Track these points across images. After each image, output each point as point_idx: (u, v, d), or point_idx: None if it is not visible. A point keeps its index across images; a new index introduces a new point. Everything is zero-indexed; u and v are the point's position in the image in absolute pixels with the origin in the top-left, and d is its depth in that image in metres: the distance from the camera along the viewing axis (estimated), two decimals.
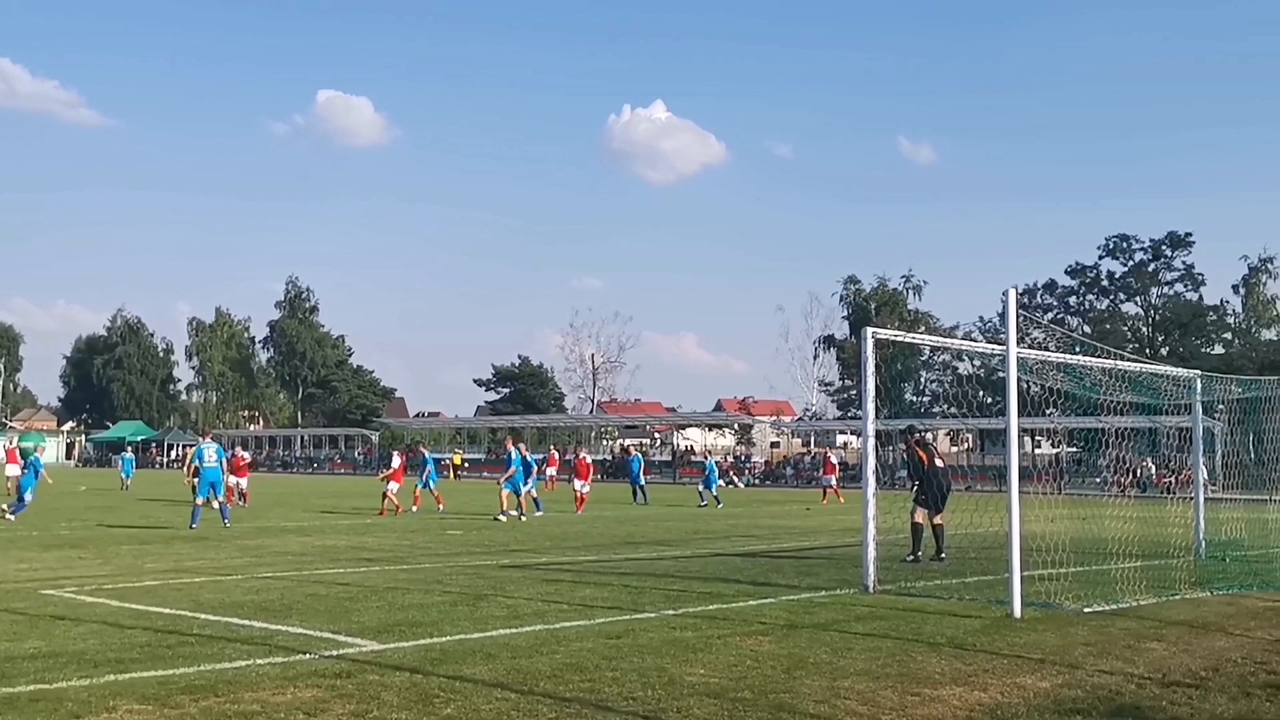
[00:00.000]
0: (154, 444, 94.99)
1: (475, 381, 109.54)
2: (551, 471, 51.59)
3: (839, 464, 60.67)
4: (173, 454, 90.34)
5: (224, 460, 22.94)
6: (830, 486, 36.48)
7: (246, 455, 30.37)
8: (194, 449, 23.18)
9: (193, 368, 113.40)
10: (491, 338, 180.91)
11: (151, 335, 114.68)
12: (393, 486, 27.37)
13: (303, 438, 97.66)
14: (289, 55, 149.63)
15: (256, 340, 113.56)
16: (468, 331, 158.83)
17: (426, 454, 30.27)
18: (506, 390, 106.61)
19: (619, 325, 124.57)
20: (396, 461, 28.71)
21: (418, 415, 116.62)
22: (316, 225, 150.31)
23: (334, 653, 8.38)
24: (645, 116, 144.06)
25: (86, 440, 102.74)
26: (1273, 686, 7.64)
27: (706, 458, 49.85)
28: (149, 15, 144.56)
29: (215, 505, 21.95)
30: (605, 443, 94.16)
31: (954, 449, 76.52)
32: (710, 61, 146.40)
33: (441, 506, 27.94)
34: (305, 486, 48.28)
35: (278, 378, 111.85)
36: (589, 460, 32.45)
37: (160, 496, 35.01)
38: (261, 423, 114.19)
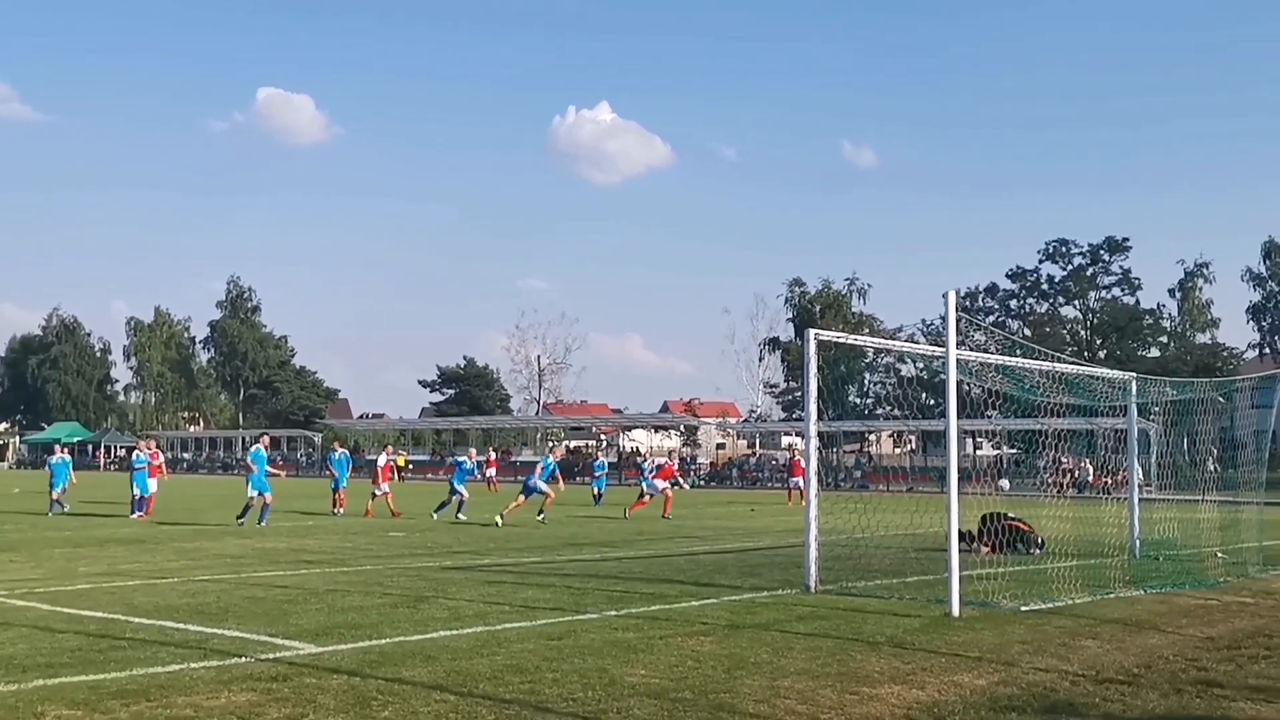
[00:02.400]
0: (91, 445, 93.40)
1: (420, 383, 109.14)
2: (492, 473, 51.45)
3: (784, 466, 60.96)
4: (111, 455, 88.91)
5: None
6: (799, 488, 36.25)
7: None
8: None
9: (131, 368, 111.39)
10: (436, 339, 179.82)
11: (88, 335, 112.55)
12: (382, 488, 27.30)
13: (244, 439, 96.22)
14: (228, 52, 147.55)
15: (197, 340, 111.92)
16: (412, 332, 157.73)
17: (338, 453, 29.76)
18: (451, 392, 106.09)
19: (565, 326, 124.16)
20: (383, 460, 28.43)
21: (361, 416, 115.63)
22: (258, 224, 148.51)
23: (270, 656, 8.27)
24: (590, 118, 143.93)
25: (21, 442, 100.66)
26: (1203, 683, 7.78)
27: (647, 456, 49.76)
28: (85, 9, 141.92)
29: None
30: (550, 444, 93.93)
31: (897, 450, 77.34)
32: (655, 63, 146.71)
33: (340, 510, 27.51)
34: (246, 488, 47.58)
35: (218, 378, 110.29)
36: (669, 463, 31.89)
37: (98, 499, 34.34)
38: (202, 424, 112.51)
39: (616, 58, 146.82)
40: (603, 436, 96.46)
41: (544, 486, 25.06)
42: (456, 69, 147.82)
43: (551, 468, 25.70)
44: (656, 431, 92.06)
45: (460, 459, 28.43)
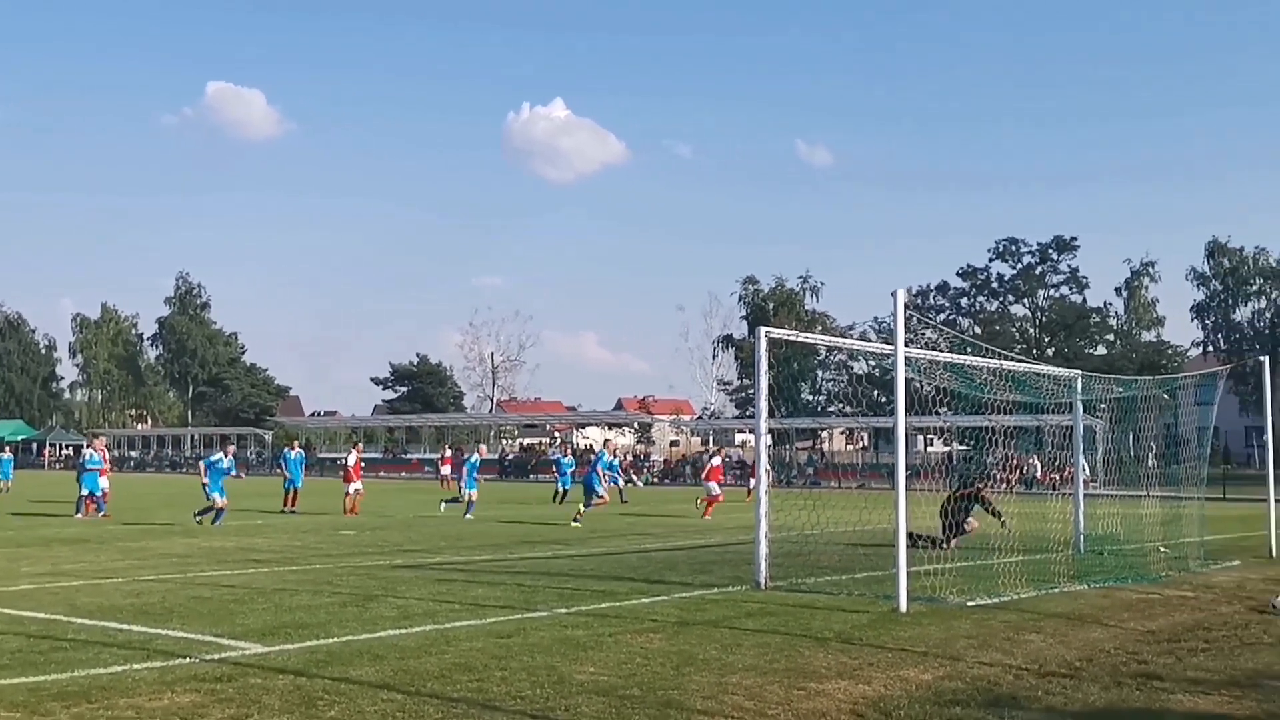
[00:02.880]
0: (36, 444, 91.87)
1: (372, 380, 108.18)
2: (445, 471, 51.17)
3: (739, 463, 61.20)
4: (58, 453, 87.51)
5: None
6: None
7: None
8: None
9: (77, 365, 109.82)
10: (390, 336, 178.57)
11: (33, 332, 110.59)
12: (351, 486, 27.13)
13: (193, 437, 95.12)
14: (177, 45, 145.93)
15: (144, 337, 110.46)
16: (365, 329, 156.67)
17: (294, 453, 29.51)
18: (404, 389, 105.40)
19: (519, 324, 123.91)
20: (352, 459, 28.21)
21: (313, 414, 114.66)
22: (208, 220, 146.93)
23: (215, 656, 8.19)
24: (545, 114, 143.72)
25: None
26: (1143, 676, 7.91)
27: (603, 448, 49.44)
28: (30, 1, 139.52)
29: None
30: (505, 442, 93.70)
31: (849, 447, 77.91)
32: (609, 60, 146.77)
33: (292, 509, 27.26)
34: (194, 487, 47.04)
35: (166, 376, 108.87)
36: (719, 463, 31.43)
37: (44, 498, 33.81)
38: (149, 422, 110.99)
39: (570, 54, 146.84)
40: (556, 433, 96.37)
41: (601, 489, 24.84)
42: (410, 65, 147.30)
43: (605, 464, 25.48)
44: (610, 429, 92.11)
45: (469, 456, 28.17)
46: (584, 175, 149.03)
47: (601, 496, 25.04)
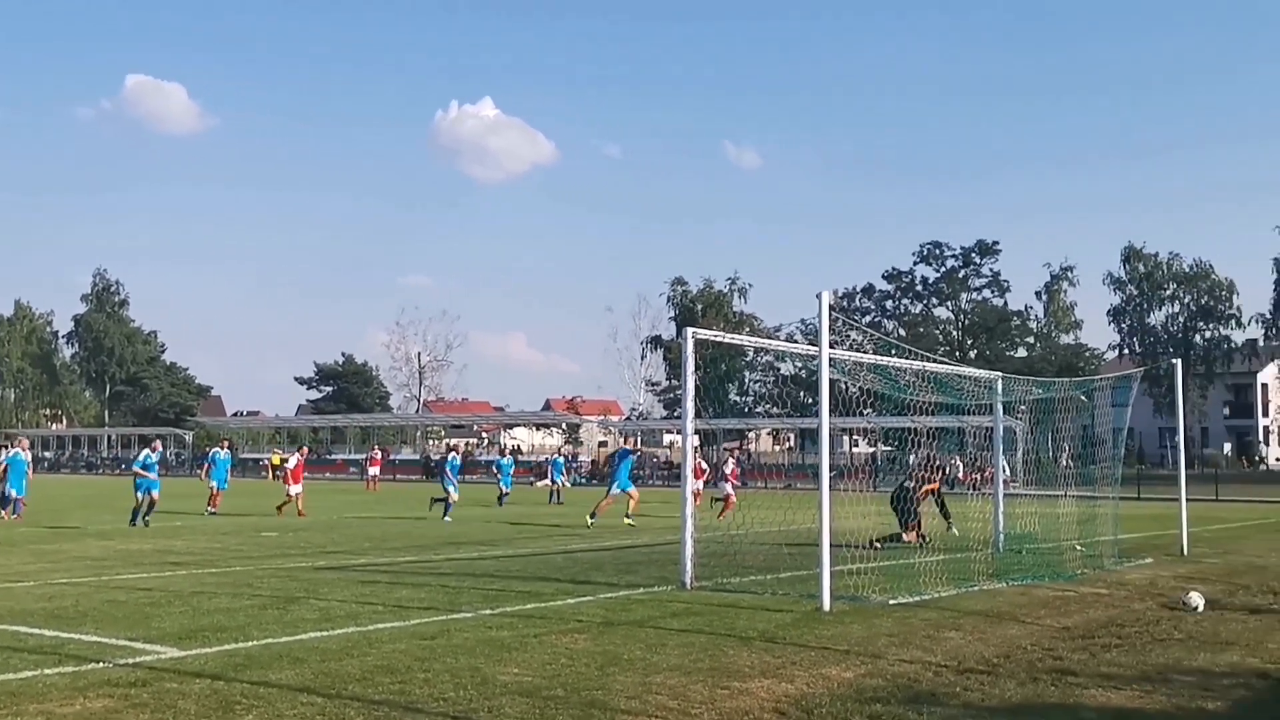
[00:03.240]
0: None
1: (297, 379, 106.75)
2: (374, 472, 50.69)
3: (665, 464, 61.34)
4: None
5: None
6: (697, 492, 34.94)
7: None
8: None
9: None
10: (315, 335, 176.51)
11: None
12: (293, 488, 26.72)
13: (110, 437, 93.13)
14: (95, 37, 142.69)
15: (60, 335, 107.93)
16: (289, 328, 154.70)
17: (222, 453, 29.00)
18: (329, 389, 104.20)
19: (446, 323, 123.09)
20: (293, 461, 27.73)
21: (235, 414, 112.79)
22: (127, 216, 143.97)
23: (130, 661, 8.01)
24: (474, 113, 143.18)
25: None
26: (1058, 671, 8.07)
27: (556, 454, 49.05)
28: None
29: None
30: (431, 442, 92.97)
31: (776, 448, 78.51)
32: (539, 59, 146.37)
33: (213, 510, 26.84)
34: (111, 488, 46.02)
35: (83, 375, 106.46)
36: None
37: None
38: (65, 422, 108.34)
39: (501, 53, 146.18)
40: (484, 434, 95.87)
41: (631, 488, 24.50)
42: (337, 60, 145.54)
43: (630, 464, 25.12)
44: (538, 429, 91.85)
45: (451, 457, 27.87)
46: (513, 175, 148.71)
47: (631, 494, 24.65)
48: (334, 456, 75.45)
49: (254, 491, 30.33)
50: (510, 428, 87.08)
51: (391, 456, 70.89)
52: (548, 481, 38.50)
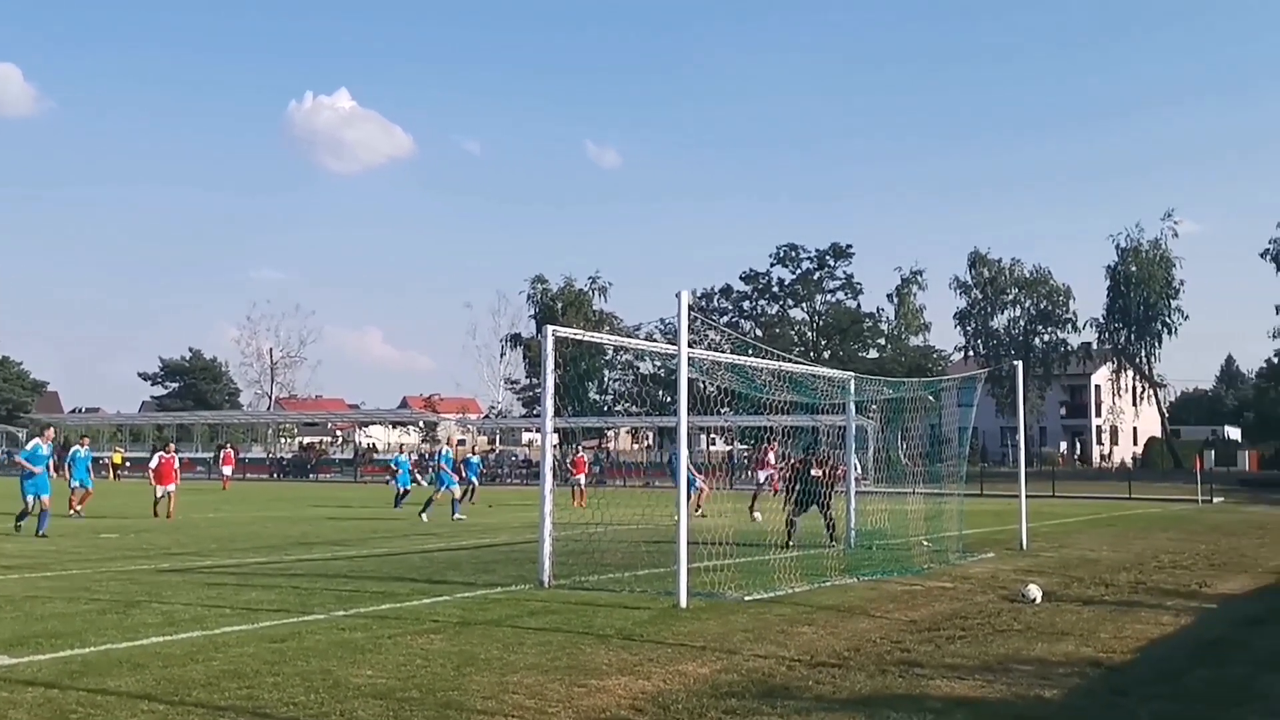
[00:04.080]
0: None
1: (140, 375, 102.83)
2: (227, 470, 49.21)
3: (525, 462, 61.05)
4: None
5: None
6: (579, 487, 33.35)
7: None
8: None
9: None
10: (160, 330, 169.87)
11: None
12: (160, 489, 25.60)
13: None
14: None
15: None
16: (133, 323, 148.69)
17: (82, 451, 27.60)
18: (175, 385, 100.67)
19: (300, 319, 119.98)
20: (154, 461, 26.44)
21: (73, 411, 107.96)
22: None
23: None
24: (329, 104, 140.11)
25: None
26: (905, 663, 8.31)
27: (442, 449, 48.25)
28: None
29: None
30: (284, 440, 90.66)
31: (635, 446, 78.96)
32: (397, 51, 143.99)
33: (78, 511, 25.59)
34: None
35: None
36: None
37: None
38: None
39: (357, 43, 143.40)
40: (339, 432, 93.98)
41: (700, 481, 24.22)
42: (185, 44, 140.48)
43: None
44: (395, 427, 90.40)
45: (442, 450, 27.32)
46: (370, 167, 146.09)
47: (702, 488, 24.50)
48: (180, 455, 72.87)
49: (95, 491, 29.04)
50: (365, 425, 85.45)
51: (241, 455, 68.86)
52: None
